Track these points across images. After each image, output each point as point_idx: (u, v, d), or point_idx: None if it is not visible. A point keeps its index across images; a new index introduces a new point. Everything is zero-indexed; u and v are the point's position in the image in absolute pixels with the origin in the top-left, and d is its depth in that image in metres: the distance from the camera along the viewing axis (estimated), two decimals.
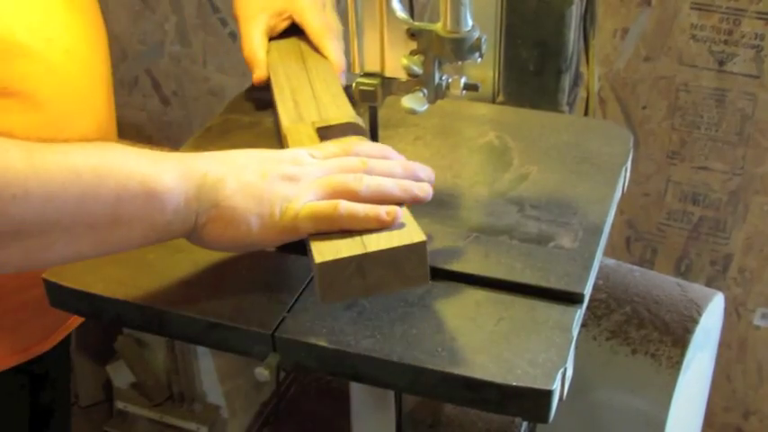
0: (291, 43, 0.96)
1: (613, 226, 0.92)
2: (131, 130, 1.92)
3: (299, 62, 0.92)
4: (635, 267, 1.19)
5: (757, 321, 1.58)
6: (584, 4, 0.97)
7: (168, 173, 0.61)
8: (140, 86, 1.90)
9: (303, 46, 0.95)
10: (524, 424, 1.09)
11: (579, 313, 0.66)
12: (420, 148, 0.88)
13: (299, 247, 0.65)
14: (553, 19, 0.92)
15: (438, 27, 0.70)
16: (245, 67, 0.93)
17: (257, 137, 0.90)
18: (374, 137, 0.81)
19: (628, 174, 0.86)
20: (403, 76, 0.74)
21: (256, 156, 0.66)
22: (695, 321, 1.07)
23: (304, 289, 0.69)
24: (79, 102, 0.85)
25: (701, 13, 1.38)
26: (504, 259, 0.70)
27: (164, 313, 0.68)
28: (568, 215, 0.75)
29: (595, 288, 0.90)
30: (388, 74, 0.75)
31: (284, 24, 0.97)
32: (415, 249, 0.60)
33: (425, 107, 0.73)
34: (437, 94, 0.74)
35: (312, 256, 0.61)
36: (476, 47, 0.70)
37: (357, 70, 0.77)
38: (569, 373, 0.62)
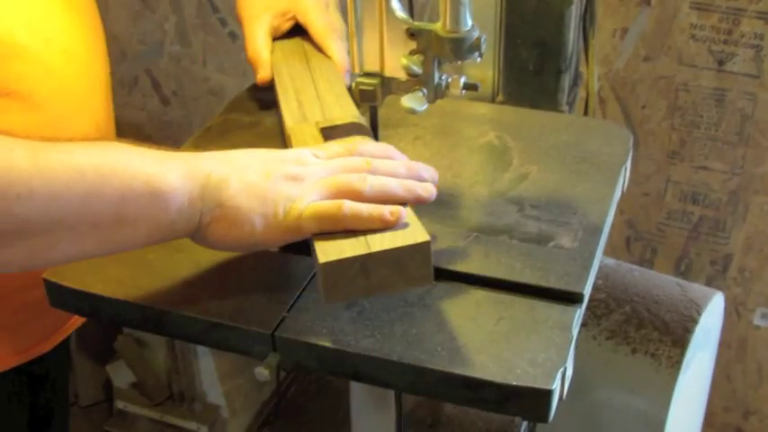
0: (295, 43, 0.96)
1: (613, 226, 0.92)
2: (131, 129, 1.92)
3: (303, 62, 0.92)
4: (635, 267, 1.19)
5: (757, 321, 1.58)
6: (583, 3, 0.97)
7: (173, 172, 0.61)
8: (140, 86, 1.90)
9: (307, 46, 0.95)
10: (524, 424, 1.09)
11: (579, 313, 0.66)
12: (420, 147, 0.88)
13: (302, 248, 0.65)
14: (553, 19, 0.92)
15: (437, 27, 0.70)
16: (245, 66, 0.93)
17: (257, 137, 0.90)
18: (374, 136, 0.81)
19: (628, 173, 0.86)
20: (402, 75, 0.74)
21: (260, 156, 0.67)
22: (695, 321, 1.07)
23: (304, 289, 0.69)
24: (77, 102, 0.85)
25: (701, 13, 1.38)
26: (503, 259, 0.70)
27: (164, 313, 0.68)
28: (568, 215, 0.75)
29: (595, 288, 0.90)
30: (387, 73, 0.75)
31: (288, 24, 0.97)
32: (419, 249, 0.60)
33: (425, 107, 0.73)
34: (437, 93, 0.74)
35: (316, 256, 0.61)
36: (475, 46, 0.70)
37: (357, 70, 0.77)
38: (569, 372, 0.62)
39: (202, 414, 1.75)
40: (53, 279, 0.71)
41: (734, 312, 1.58)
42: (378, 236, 0.61)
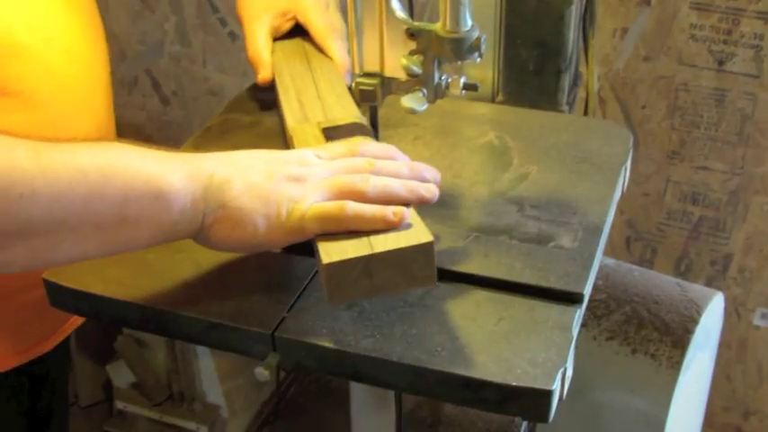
0: (296, 44, 0.96)
1: (613, 226, 0.92)
2: (131, 129, 1.92)
3: (304, 62, 0.92)
4: (635, 267, 1.19)
5: (757, 321, 1.58)
6: (583, 3, 0.97)
7: (175, 173, 0.61)
8: (140, 86, 1.90)
9: (307, 46, 0.95)
10: (524, 424, 1.10)
11: (579, 313, 0.66)
12: (420, 147, 0.88)
13: (304, 248, 0.65)
14: (553, 19, 0.92)
15: (437, 27, 0.70)
16: (245, 66, 0.93)
17: (257, 137, 0.90)
18: (375, 137, 0.81)
19: (627, 173, 0.86)
20: (402, 75, 0.74)
21: (263, 156, 0.66)
22: (695, 321, 1.07)
23: (304, 289, 0.69)
24: (78, 102, 0.85)
25: (701, 13, 1.38)
26: (503, 259, 0.70)
27: (164, 313, 0.68)
28: (568, 215, 0.75)
29: (595, 288, 0.91)
30: (387, 74, 0.75)
31: (288, 25, 0.97)
32: (423, 250, 0.60)
33: (425, 107, 0.73)
34: (437, 93, 0.74)
35: (319, 256, 0.61)
36: (475, 47, 0.70)
37: (357, 70, 0.77)
38: (569, 372, 0.62)
39: (202, 414, 1.75)
40: (53, 279, 0.71)
41: (734, 312, 1.58)
42: (381, 236, 0.61)
